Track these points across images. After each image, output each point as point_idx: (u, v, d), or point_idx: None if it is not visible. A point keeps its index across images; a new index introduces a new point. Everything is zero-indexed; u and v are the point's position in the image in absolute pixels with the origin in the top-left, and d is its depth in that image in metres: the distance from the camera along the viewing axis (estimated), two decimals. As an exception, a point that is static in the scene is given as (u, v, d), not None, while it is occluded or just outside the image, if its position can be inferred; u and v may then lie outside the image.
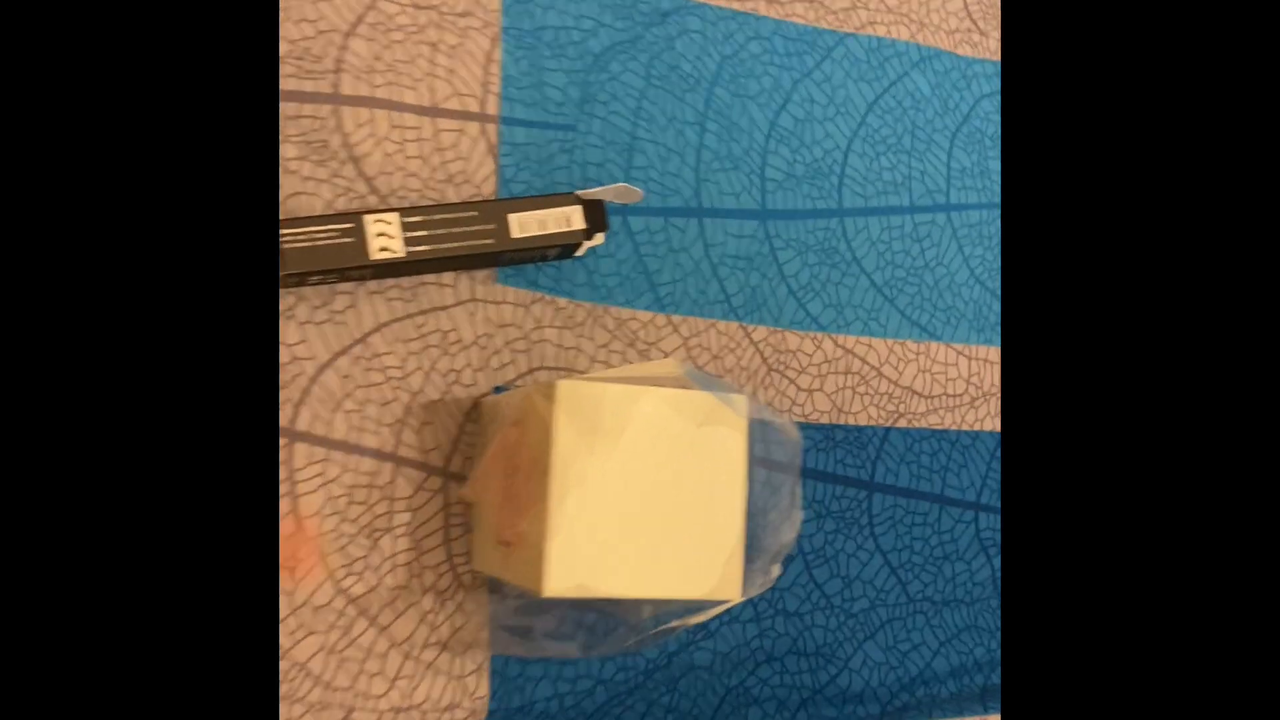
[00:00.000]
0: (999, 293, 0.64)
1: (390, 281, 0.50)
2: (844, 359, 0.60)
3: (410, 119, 0.51)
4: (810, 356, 0.59)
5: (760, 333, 0.58)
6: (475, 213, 0.51)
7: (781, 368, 0.58)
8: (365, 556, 0.49)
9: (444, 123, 0.52)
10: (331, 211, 0.50)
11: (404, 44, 0.52)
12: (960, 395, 0.63)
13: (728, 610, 0.51)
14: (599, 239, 0.54)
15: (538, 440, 0.44)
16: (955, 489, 0.62)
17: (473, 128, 0.53)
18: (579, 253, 0.54)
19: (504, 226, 0.51)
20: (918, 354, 0.62)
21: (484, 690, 0.50)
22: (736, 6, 0.59)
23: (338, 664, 0.48)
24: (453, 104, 0.52)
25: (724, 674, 0.55)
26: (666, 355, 0.56)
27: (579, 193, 0.53)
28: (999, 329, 0.64)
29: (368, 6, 0.51)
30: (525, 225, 0.51)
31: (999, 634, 0.61)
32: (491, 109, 0.54)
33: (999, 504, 0.63)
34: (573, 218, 0.52)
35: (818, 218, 0.60)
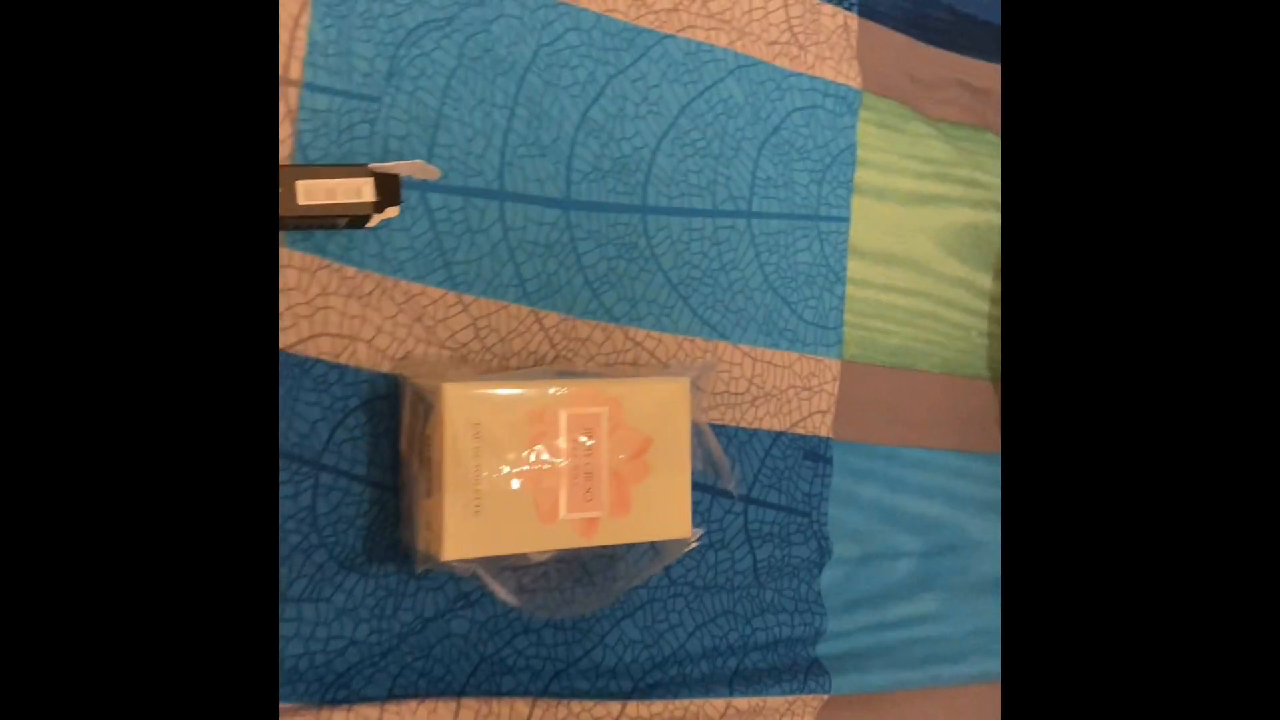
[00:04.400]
0: (790, 300, 0.67)
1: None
2: (632, 351, 0.62)
3: (204, 74, 0.51)
4: (600, 346, 0.61)
5: (552, 319, 0.60)
6: (261, 176, 0.51)
7: (570, 355, 0.60)
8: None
9: (240, 81, 0.52)
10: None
11: (203, -3, 0.51)
12: (742, 394, 0.66)
13: (482, 580, 0.53)
14: (392, 212, 0.55)
15: (437, 438, 0.51)
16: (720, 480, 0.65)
17: (271, 89, 0.53)
18: (371, 224, 0.54)
19: (290, 192, 0.51)
20: (705, 351, 0.65)
21: (233, 645, 0.51)
22: (558, -4, 0.60)
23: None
24: (252, 63, 0.52)
25: (480, 643, 0.57)
26: (464, 343, 0.57)
27: (373, 165, 0.53)
28: (786, 334, 0.67)
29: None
30: (312, 193, 0.52)
31: (753, 620, 0.65)
32: (294, 74, 0.54)
33: (771, 499, 0.66)
34: (364, 189, 0.53)
35: (621, 212, 0.62)
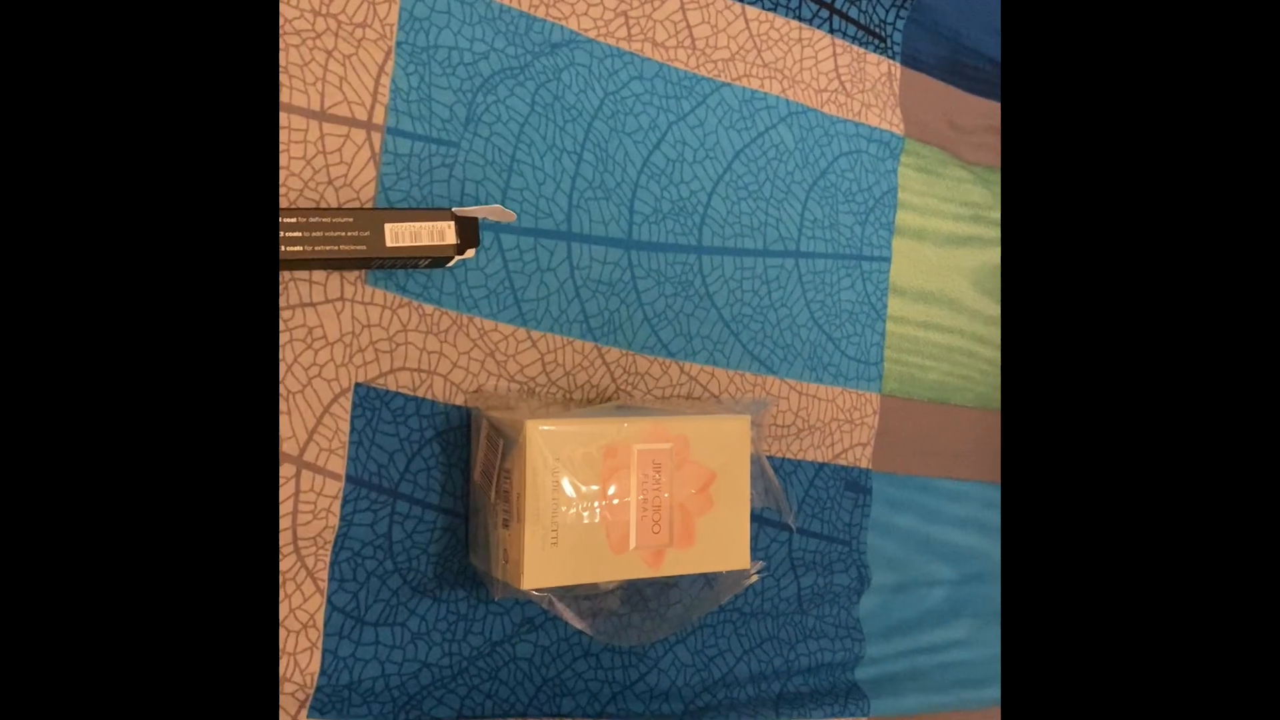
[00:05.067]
0: (834, 336, 0.70)
1: (263, 275, 0.53)
2: (688, 385, 0.65)
3: (298, 120, 0.54)
4: (657, 380, 0.64)
5: (613, 354, 0.62)
6: (351, 219, 0.53)
7: (629, 389, 0.63)
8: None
9: (330, 127, 0.54)
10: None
11: (299, 48, 0.54)
12: (788, 427, 0.68)
13: (554, 606, 0.56)
14: (470, 253, 0.57)
15: (519, 473, 0.53)
16: (772, 511, 0.67)
17: (358, 134, 0.55)
18: (450, 264, 0.57)
19: (379, 235, 0.54)
20: (754, 385, 0.67)
21: (314, 667, 0.54)
22: (624, 46, 0.63)
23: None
24: (341, 110, 0.55)
25: (542, 666, 0.60)
26: (532, 377, 0.60)
27: (455, 209, 0.56)
28: (830, 369, 0.70)
29: (267, 7, 0.53)
30: (399, 236, 0.54)
31: (797, 645, 0.68)
32: (378, 119, 0.56)
33: (814, 528, 0.69)
34: (446, 232, 0.55)
35: (678, 252, 0.65)
